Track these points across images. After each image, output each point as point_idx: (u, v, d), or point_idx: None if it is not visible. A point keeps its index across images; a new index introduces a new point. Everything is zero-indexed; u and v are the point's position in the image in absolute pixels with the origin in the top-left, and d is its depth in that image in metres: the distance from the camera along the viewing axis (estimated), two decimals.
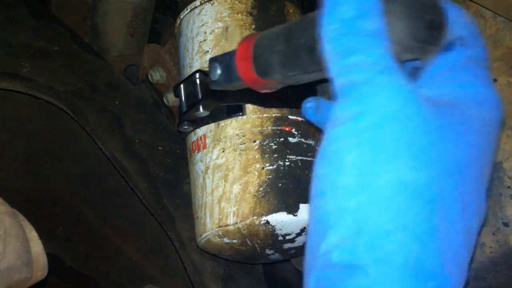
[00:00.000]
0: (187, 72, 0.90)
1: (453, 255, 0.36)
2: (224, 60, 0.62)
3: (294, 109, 0.83)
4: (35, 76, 1.00)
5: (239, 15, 0.88)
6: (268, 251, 0.85)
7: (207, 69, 0.73)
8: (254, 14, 0.88)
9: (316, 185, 0.39)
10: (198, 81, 0.81)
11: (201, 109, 0.79)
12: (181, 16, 0.95)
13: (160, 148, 1.02)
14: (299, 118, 0.83)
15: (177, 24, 0.96)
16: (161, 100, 1.20)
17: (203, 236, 0.83)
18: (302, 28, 0.54)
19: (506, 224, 0.62)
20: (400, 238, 0.34)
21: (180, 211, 0.96)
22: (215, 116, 0.83)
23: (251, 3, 0.89)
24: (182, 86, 0.84)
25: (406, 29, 0.41)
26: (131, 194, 1.00)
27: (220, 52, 0.86)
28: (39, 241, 0.73)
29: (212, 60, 0.63)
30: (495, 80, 0.67)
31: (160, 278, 1.16)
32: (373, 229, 0.35)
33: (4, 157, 1.18)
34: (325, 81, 0.59)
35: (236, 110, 0.82)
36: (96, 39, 1.30)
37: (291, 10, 0.91)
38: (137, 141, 1.01)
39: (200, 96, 0.80)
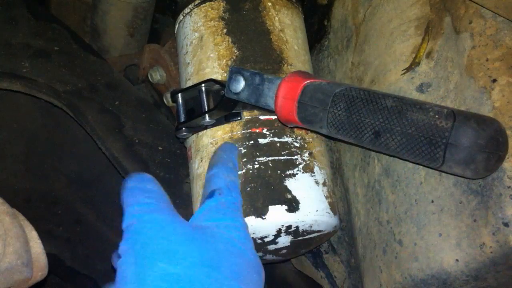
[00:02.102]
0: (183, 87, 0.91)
1: None
2: (253, 80, 0.63)
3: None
4: (35, 76, 1.00)
5: (212, 21, 0.88)
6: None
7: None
8: (226, 18, 0.88)
9: None
10: (204, 89, 0.82)
11: (207, 118, 0.81)
12: (175, 30, 0.96)
13: (160, 148, 1.02)
14: (273, 117, 0.81)
15: (175, 30, 0.97)
16: (161, 100, 1.20)
17: None
18: (369, 106, 0.57)
19: (506, 224, 0.62)
20: None
21: (180, 211, 0.95)
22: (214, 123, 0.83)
23: (223, 6, 0.88)
24: (180, 94, 0.85)
25: (485, 161, 0.55)
26: None
27: (197, 63, 0.87)
28: (39, 241, 0.73)
29: (235, 72, 0.64)
30: (495, 80, 0.67)
31: None
32: None
33: (4, 157, 1.18)
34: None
35: (234, 115, 0.82)
36: (96, 39, 1.30)
37: (269, 4, 0.89)
38: (137, 141, 1.01)
39: (206, 105, 0.81)
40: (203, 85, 0.82)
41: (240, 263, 0.61)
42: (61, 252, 1.24)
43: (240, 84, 0.63)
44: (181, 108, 0.85)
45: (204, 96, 0.82)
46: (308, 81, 0.61)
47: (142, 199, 0.62)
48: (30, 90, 0.99)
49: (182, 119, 0.85)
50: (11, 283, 0.68)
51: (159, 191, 0.64)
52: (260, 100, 0.62)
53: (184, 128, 0.84)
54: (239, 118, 0.81)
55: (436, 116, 0.54)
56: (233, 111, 0.81)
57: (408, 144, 0.55)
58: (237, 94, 0.69)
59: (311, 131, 0.81)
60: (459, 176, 0.60)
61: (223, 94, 0.79)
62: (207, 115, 0.81)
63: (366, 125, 0.56)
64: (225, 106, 0.80)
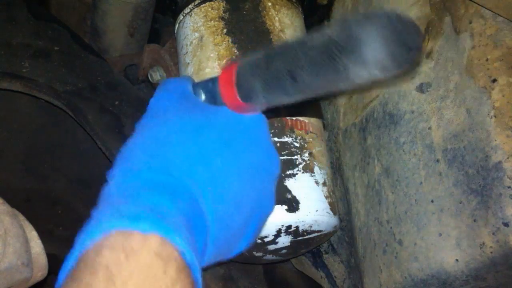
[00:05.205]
0: None
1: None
2: (207, 86, 0.64)
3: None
4: (35, 76, 1.00)
5: (212, 21, 0.88)
6: (257, 254, 0.85)
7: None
8: (226, 18, 0.88)
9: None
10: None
11: None
12: (175, 30, 0.96)
13: None
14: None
15: (175, 30, 0.97)
16: None
17: None
18: (281, 53, 0.55)
19: (506, 224, 0.62)
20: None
21: None
22: None
23: (223, 6, 0.88)
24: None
25: (385, 52, 0.47)
26: None
27: (197, 63, 0.87)
28: (39, 241, 0.73)
29: (195, 87, 0.65)
30: (495, 80, 0.67)
31: None
32: None
33: (4, 157, 1.18)
34: (312, 100, 0.59)
35: None
36: (96, 39, 1.29)
37: (269, 4, 0.89)
38: None
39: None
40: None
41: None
42: (61, 252, 1.24)
43: (201, 96, 0.64)
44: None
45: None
46: (238, 63, 0.61)
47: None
48: (30, 90, 0.99)
49: None
50: (11, 283, 0.68)
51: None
52: (217, 102, 0.63)
53: None
54: None
55: (329, 32, 0.52)
56: None
57: (316, 69, 0.52)
58: None
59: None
60: (375, 79, 0.52)
61: None
62: None
63: (282, 72, 0.55)
64: None
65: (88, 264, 0.44)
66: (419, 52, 0.49)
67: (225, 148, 0.56)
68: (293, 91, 0.55)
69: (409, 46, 0.48)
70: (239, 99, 0.60)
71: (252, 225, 0.58)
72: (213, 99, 0.63)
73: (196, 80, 0.86)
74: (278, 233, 0.79)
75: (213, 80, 0.63)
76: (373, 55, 0.48)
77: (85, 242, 0.46)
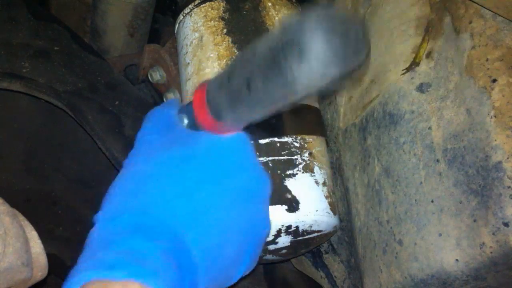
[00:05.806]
0: (184, 87, 0.91)
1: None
2: (187, 110, 0.63)
3: None
4: (35, 76, 1.00)
5: (212, 22, 0.88)
6: None
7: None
8: (226, 18, 0.88)
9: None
10: None
11: None
12: (175, 30, 0.96)
13: None
14: None
15: (175, 30, 0.97)
16: (161, 100, 1.20)
17: None
18: (239, 63, 0.53)
19: (506, 224, 0.62)
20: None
21: None
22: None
23: (223, 6, 0.88)
24: None
25: (327, 46, 0.43)
26: None
27: (197, 63, 0.87)
28: (39, 241, 0.73)
29: (180, 111, 0.64)
30: (495, 80, 0.67)
31: None
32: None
33: (4, 157, 1.18)
34: (275, 118, 0.58)
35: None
36: (96, 39, 1.30)
37: (269, 4, 0.89)
38: None
39: None
40: None
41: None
42: (61, 252, 1.24)
43: (185, 121, 0.63)
44: None
45: None
46: (208, 82, 0.60)
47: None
48: (30, 90, 0.99)
49: None
50: (11, 283, 0.68)
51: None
52: (197, 126, 0.61)
53: None
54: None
55: (272, 33, 0.49)
56: None
57: (264, 74, 0.49)
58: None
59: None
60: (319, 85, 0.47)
61: None
62: None
63: (241, 83, 0.53)
64: None
65: None
66: (362, 43, 0.45)
67: (209, 177, 0.55)
68: (251, 103, 0.52)
69: (349, 37, 0.45)
70: (212, 119, 0.58)
71: (247, 249, 0.57)
72: (194, 123, 0.61)
73: (196, 80, 0.87)
74: (278, 233, 0.79)
75: (190, 103, 0.62)
76: (312, 47, 0.44)
77: None
